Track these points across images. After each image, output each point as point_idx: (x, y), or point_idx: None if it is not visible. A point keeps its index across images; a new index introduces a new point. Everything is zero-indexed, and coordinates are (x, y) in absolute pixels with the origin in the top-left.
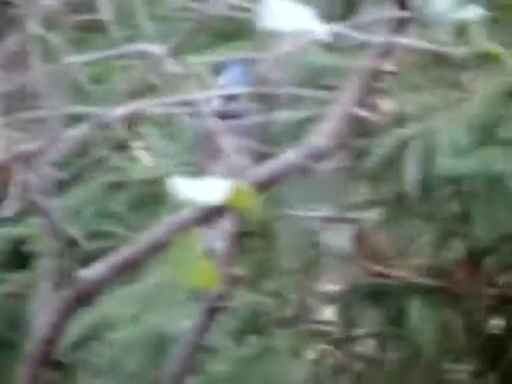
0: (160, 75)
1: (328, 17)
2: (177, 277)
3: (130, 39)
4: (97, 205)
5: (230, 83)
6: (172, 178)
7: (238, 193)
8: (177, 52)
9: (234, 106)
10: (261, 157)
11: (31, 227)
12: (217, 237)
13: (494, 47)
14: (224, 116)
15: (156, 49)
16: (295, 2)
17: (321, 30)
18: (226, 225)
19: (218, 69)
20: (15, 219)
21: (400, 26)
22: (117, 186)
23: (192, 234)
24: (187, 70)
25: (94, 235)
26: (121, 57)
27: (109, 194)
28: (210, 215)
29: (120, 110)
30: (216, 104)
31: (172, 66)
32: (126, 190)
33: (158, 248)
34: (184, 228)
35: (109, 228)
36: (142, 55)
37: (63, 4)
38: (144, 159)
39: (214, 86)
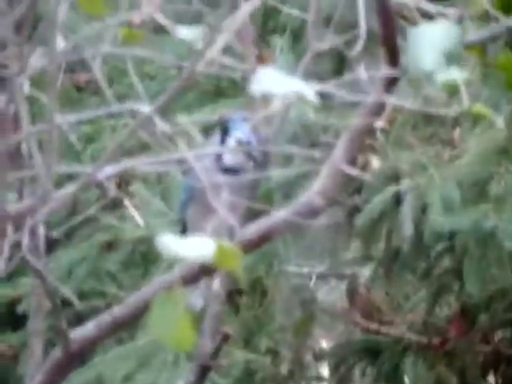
0: (150, 134)
1: (319, 75)
2: (158, 337)
3: (123, 98)
4: (89, 264)
5: (245, 138)
6: (161, 236)
7: (224, 251)
8: (166, 110)
9: (239, 161)
10: (253, 214)
11: (23, 287)
12: (201, 295)
13: (482, 107)
14: (229, 171)
15: (145, 107)
16: (288, 63)
17: (309, 90)
18: (216, 283)
19: (222, 123)
20: (8, 279)
21: (391, 84)
22: (109, 246)
23: (174, 294)
24: (176, 128)
25: (86, 294)
26: (112, 116)
27: (101, 253)
28: (199, 274)
29: (111, 169)
30: (228, 159)
31: (161, 125)
32: (118, 249)
33: (148, 307)
34: (173, 287)
35: (101, 287)
36: (132, 114)
37: (57, 64)
38: (135, 218)
39: (226, 141)
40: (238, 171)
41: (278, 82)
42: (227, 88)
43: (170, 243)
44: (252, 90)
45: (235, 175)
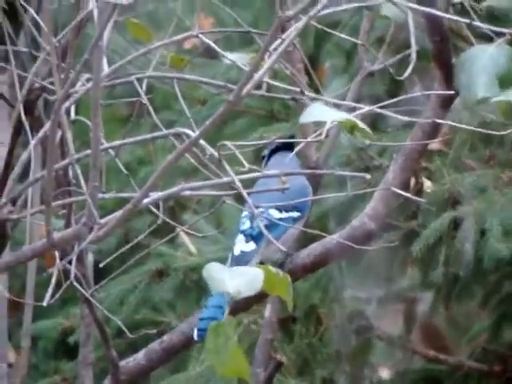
0: (198, 158)
1: (373, 97)
2: (214, 366)
3: (174, 123)
4: (141, 293)
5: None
6: (208, 266)
7: (274, 278)
8: (217, 135)
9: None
10: (307, 238)
11: (75, 317)
12: None
13: None
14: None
15: (193, 132)
16: (340, 85)
17: (358, 121)
18: (268, 310)
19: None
20: (60, 308)
21: (445, 103)
22: (159, 273)
23: (227, 324)
24: (225, 153)
25: (138, 323)
26: (162, 140)
27: (152, 281)
28: (252, 301)
29: (161, 194)
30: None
31: (208, 149)
32: (170, 278)
33: None
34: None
35: (153, 316)
36: (181, 138)
37: (102, 89)
38: (188, 245)
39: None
40: None
41: (327, 113)
42: (279, 112)
43: (218, 274)
44: (301, 121)
45: None
